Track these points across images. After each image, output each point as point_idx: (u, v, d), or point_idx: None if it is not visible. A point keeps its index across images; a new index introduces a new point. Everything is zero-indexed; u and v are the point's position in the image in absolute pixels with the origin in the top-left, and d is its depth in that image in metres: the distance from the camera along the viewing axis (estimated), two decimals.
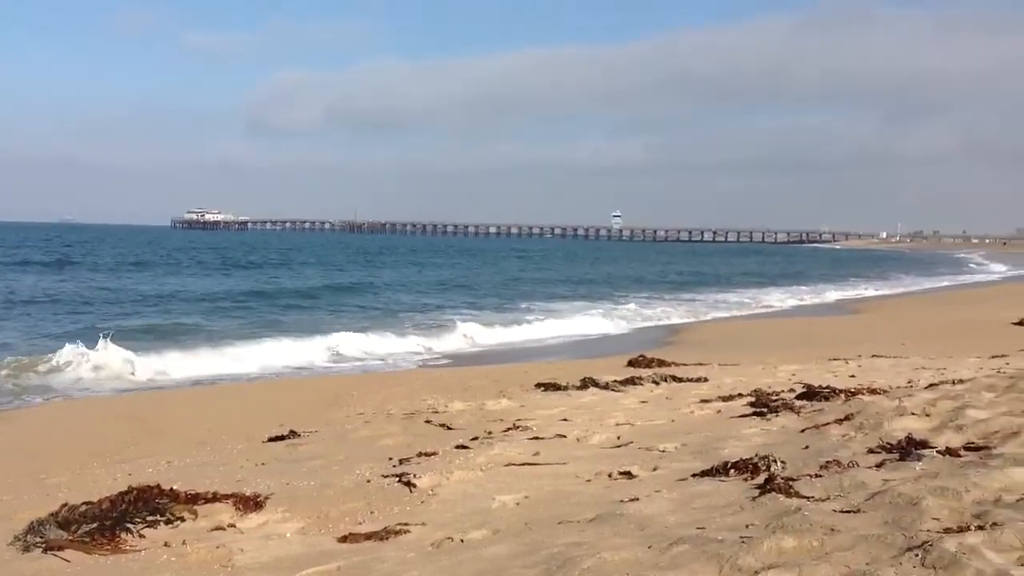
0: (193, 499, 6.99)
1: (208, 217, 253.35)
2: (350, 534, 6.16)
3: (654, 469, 7.54)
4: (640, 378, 13.93)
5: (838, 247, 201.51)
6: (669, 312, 36.37)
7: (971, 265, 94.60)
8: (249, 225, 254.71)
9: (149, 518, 6.57)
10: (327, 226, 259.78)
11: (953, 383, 10.50)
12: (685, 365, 16.18)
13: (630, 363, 16.80)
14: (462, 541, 5.75)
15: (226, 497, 7.05)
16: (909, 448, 6.98)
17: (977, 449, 6.84)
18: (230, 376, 19.27)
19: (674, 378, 14.01)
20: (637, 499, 6.39)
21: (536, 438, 9.35)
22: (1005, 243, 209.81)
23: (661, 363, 16.61)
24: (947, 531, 4.80)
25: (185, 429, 12.31)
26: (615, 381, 13.58)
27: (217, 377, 19.01)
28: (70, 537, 6.23)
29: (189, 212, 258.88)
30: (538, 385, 13.83)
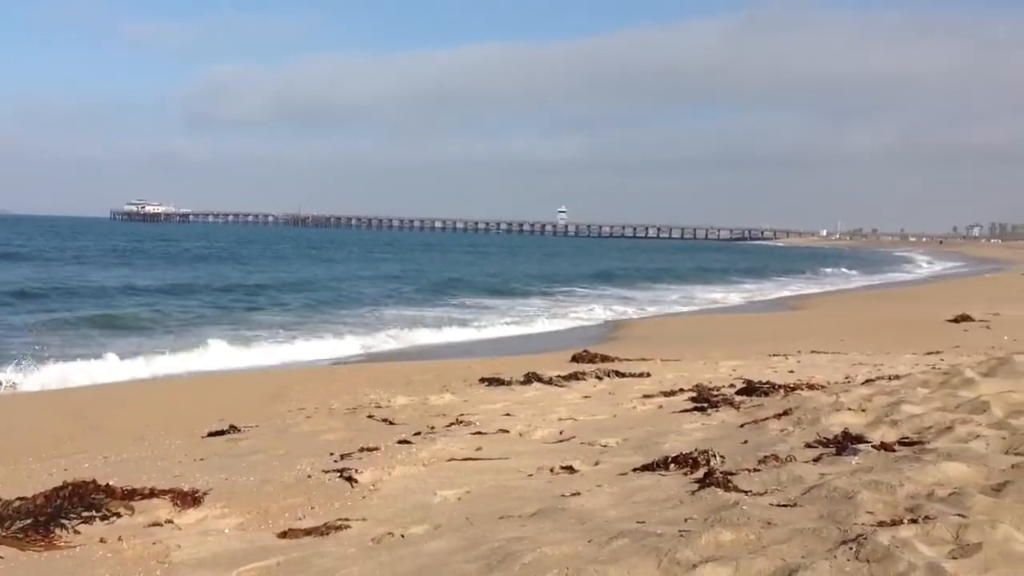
0: (130, 495, 6.88)
1: (148, 209, 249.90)
2: (290, 530, 6.11)
3: (596, 464, 7.58)
4: (583, 373, 13.99)
5: (781, 244, 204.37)
6: (614, 307, 36.58)
7: (916, 262, 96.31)
8: (191, 218, 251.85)
9: (84, 514, 6.45)
10: (270, 219, 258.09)
11: (889, 379, 10.68)
12: (628, 360, 16.26)
13: (574, 358, 16.85)
14: (403, 536, 5.74)
15: (163, 492, 6.96)
16: (845, 443, 7.09)
17: (911, 444, 6.96)
18: (173, 373, 19.03)
19: (617, 373, 14.08)
20: (578, 494, 6.42)
21: (479, 433, 9.35)
22: (941, 241, 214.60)
23: (604, 358, 16.68)
24: (881, 524, 4.88)
25: (123, 424, 12.12)
26: (558, 376, 13.62)
27: (159, 374, 18.78)
28: (3, 533, 6.10)
29: (129, 204, 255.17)
30: (482, 380, 13.83)
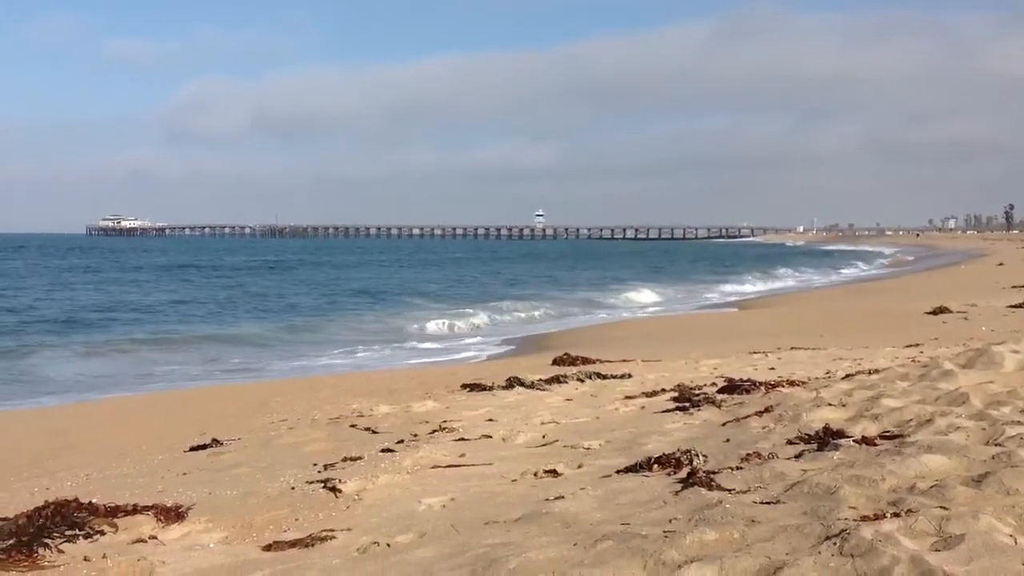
0: (113, 512, 6.84)
1: (124, 224, 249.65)
2: (275, 542, 6.09)
3: (579, 467, 7.58)
4: (565, 376, 13.97)
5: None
6: (595, 309, 36.65)
7: (885, 257, 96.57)
8: (167, 231, 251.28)
9: (68, 532, 6.40)
10: (247, 231, 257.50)
11: (869, 373, 10.73)
12: (610, 362, 16.26)
13: (555, 361, 16.83)
14: (388, 545, 5.73)
15: (147, 509, 6.92)
16: (826, 438, 7.12)
17: (892, 437, 7.01)
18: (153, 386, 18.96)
19: (599, 375, 14.08)
20: (563, 497, 6.42)
21: (462, 439, 9.34)
22: (918, 234, 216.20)
23: (586, 361, 16.68)
24: (864, 519, 4.91)
25: (104, 441, 12.05)
26: (540, 380, 13.60)
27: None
28: None
29: (104, 219, 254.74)
30: (464, 386, 13.81)
